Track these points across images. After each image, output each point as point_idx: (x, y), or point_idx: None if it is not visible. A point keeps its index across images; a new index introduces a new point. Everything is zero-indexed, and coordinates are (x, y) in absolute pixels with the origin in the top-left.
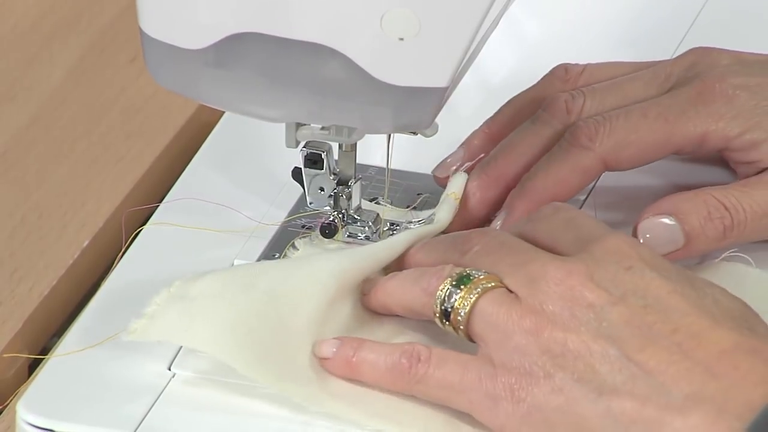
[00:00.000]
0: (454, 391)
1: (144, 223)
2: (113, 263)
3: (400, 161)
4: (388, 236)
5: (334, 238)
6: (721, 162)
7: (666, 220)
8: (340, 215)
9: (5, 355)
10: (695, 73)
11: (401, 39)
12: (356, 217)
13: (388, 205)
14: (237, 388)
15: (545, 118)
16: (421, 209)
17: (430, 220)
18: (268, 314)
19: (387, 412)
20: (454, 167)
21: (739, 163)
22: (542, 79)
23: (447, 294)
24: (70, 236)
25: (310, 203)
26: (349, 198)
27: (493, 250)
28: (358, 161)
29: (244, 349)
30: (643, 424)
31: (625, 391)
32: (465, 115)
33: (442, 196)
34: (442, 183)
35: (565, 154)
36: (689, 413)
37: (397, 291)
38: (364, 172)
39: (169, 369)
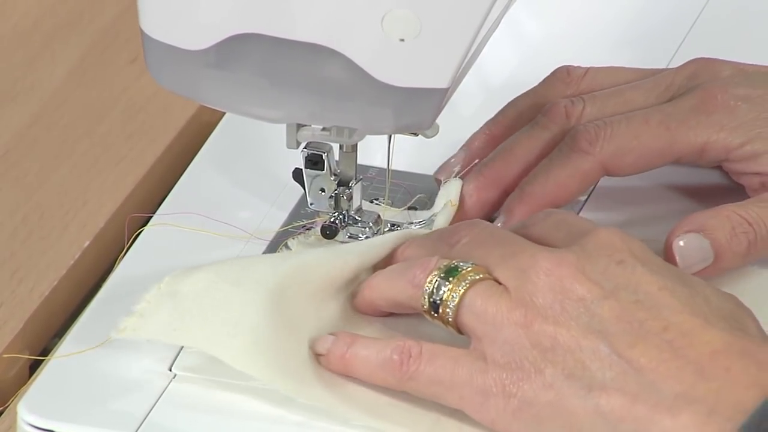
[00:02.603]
0: (444, 387)
1: (145, 224)
2: (114, 264)
3: (400, 162)
4: None
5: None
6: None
7: (696, 237)
8: (341, 216)
9: (6, 356)
10: (697, 83)
11: (402, 40)
12: (357, 218)
13: (383, 205)
14: (237, 389)
15: (544, 123)
16: (416, 209)
17: (430, 221)
18: (258, 307)
19: (379, 409)
20: (456, 169)
21: (741, 174)
22: (544, 80)
23: (435, 286)
24: (71, 236)
25: (311, 204)
26: (350, 199)
27: (482, 241)
28: (358, 162)
29: (234, 343)
30: (632, 422)
31: (615, 388)
32: (466, 116)
33: (437, 201)
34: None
35: (564, 159)
36: (679, 413)
37: (383, 285)
38: (365, 173)
39: (170, 369)
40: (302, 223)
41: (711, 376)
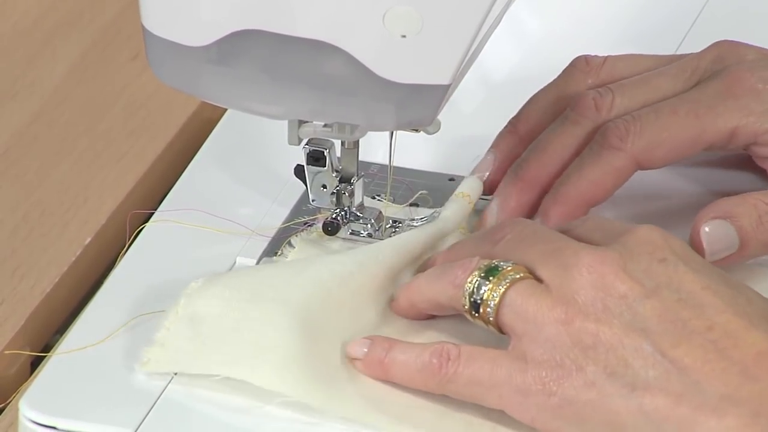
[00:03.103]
0: (484, 388)
1: (146, 221)
2: (115, 261)
3: (402, 159)
4: (390, 234)
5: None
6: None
7: (723, 224)
8: (343, 213)
9: (7, 353)
10: (722, 66)
11: (404, 36)
12: (359, 214)
13: (385, 201)
14: (239, 388)
15: (574, 118)
16: (418, 206)
17: (432, 218)
18: (278, 325)
19: (412, 415)
20: (488, 173)
21: (765, 159)
22: (563, 71)
23: (476, 286)
24: (72, 234)
25: (313, 200)
26: (352, 195)
27: (524, 238)
28: (360, 158)
29: (257, 363)
30: (676, 423)
31: (659, 387)
32: (467, 113)
33: (452, 196)
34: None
35: (596, 157)
36: (724, 414)
37: (424, 287)
38: (367, 169)
39: None
40: (304, 219)
41: (756, 378)
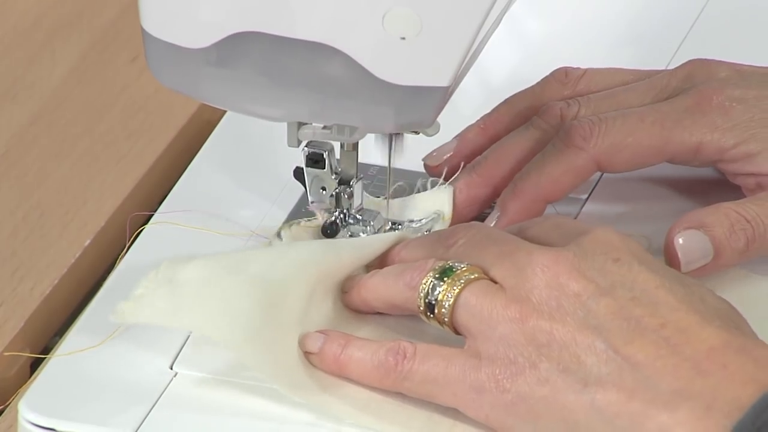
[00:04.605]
0: (438, 386)
1: (146, 223)
2: (115, 262)
3: (401, 160)
4: None
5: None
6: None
7: (696, 234)
8: (342, 215)
9: (7, 354)
10: (692, 84)
11: (403, 38)
12: (358, 216)
13: (381, 198)
14: (239, 388)
15: (538, 124)
16: (394, 197)
17: (434, 219)
18: (257, 296)
19: (372, 406)
20: (445, 156)
21: (736, 175)
22: (541, 80)
23: (430, 287)
24: (72, 235)
25: (312, 202)
26: (351, 197)
27: (478, 242)
28: (359, 161)
29: (232, 328)
30: (628, 417)
31: (611, 383)
32: (466, 115)
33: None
34: (433, 171)
35: (558, 154)
36: (676, 408)
37: (379, 287)
38: (366, 171)
39: (171, 368)
40: (300, 221)
41: (708, 373)
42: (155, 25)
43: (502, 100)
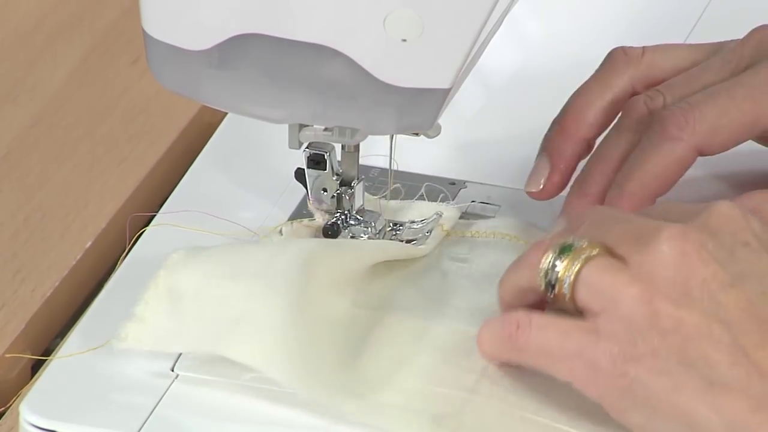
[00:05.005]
0: (553, 359)
1: (147, 225)
2: (116, 264)
3: (402, 162)
4: (391, 236)
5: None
6: None
7: None
8: (343, 216)
9: (8, 356)
10: (765, 51)
11: (404, 40)
12: (359, 218)
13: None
14: (240, 390)
15: (628, 124)
16: (390, 198)
17: (434, 220)
18: (258, 301)
19: (377, 405)
20: (544, 177)
21: None
22: (603, 64)
23: (550, 265)
24: (73, 237)
25: (312, 203)
26: (352, 199)
27: (603, 221)
28: (360, 162)
29: (235, 339)
30: (751, 429)
31: (738, 389)
32: (468, 117)
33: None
34: (539, 197)
35: (657, 149)
36: None
37: (506, 278)
38: (367, 173)
39: (172, 370)
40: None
41: None
42: (156, 27)
43: (503, 101)
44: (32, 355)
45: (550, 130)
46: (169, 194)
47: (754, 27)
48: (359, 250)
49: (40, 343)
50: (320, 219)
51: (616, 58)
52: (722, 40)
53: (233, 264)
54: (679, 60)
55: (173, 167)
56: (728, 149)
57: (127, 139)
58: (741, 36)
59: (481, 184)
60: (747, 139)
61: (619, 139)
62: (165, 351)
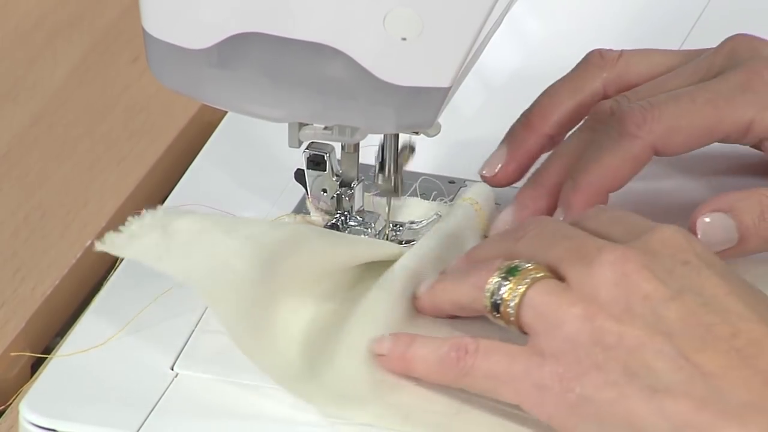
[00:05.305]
0: (500, 382)
1: None
2: (116, 263)
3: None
4: (391, 236)
5: None
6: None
7: (722, 217)
8: (343, 217)
9: (12, 354)
10: (737, 60)
11: (404, 39)
12: (359, 218)
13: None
14: (241, 389)
15: (592, 126)
16: (381, 196)
17: (433, 220)
18: (247, 256)
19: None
20: (499, 165)
21: None
22: (578, 66)
23: (496, 286)
24: (73, 236)
25: (312, 203)
26: (352, 199)
27: (547, 236)
28: (360, 162)
29: (215, 282)
30: (697, 428)
31: (681, 391)
32: (468, 115)
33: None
34: (491, 182)
35: (614, 144)
36: (747, 422)
37: (448, 288)
38: (367, 173)
39: (172, 369)
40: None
41: None
42: (156, 26)
43: (503, 100)
44: (32, 353)
45: (517, 122)
46: (169, 193)
47: (752, 26)
48: (354, 247)
49: (40, 341)
50: (320, 219)
51: (591, 60)
52: (721, 40)
53: (231, 224)
54: (654, 65)
55: (173, 166)
56: (686, 151)
57: (127, 137)
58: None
59: (481, 182)
60: (706, 144)
61: (581, 138)
62: (150, 263)
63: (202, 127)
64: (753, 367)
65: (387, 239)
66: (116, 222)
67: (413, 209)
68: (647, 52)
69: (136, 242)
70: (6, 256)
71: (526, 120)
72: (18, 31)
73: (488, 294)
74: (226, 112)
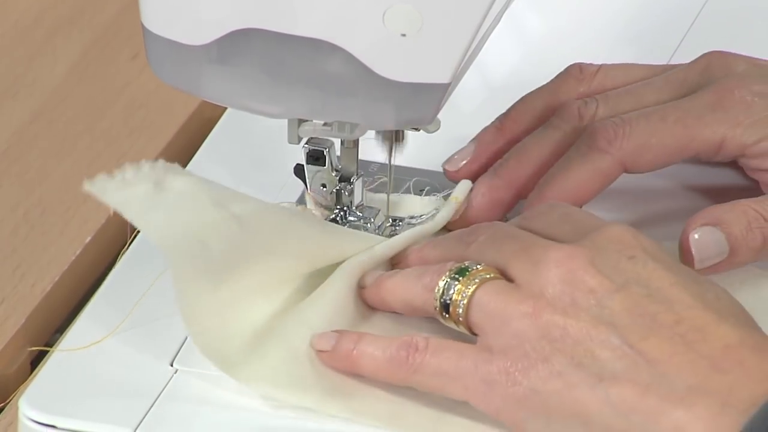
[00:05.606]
0: (449, 378)
1: None
2: (116, 259)
3: (402, 157)
4: (390, 232)
5: None
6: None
7: (712, 231)
8: (342, 212)
9: (8, 351)
10: (711, 77)
11: (403, 35)
12: (358, 213)
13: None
14: (240, 385)
15: (557, 124)
16: (377, 192)
17: (432, 216)
18: (223, 235)
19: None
20: (464, 161)
21: (756, 170)
22: (556, 77)
23: (445, 287)
24: (73, 232)
25: (311, 198)
26: (351, 194)
27: (497, 239)
28: (360, 157)
29: (183, 256)
30: (643, 413)
31: (626, 378)
32: (467, 111)
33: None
34: (452, 177)
35: (583, 158)
36: (692, 405)
37: (398, 288)
38: (366, 168)
39: (172, 365)
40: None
41: (724, 370)
42: (156, 23)
43: (503, 96)
44: (32, 349)
45: (491, 124)
46: None
47: (750, 26)
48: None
49: (39, 337)
50: (319, 215)
51: (571, 72)
52: (720, 40)
53: (224, 197)
54: (631, 78)
55: (173, 162)
56: (655, 169)
57: (127, 134)
58: (739, 34)
59: (466, 180)
60: (678, 161)
61: (543, 135)
62: (130, 216)
63: (202, 123)
64: (697, 351)
65: (388, 230)
66: (116, 219)
67: (412, 205)
68: (627, 66)
69: (125, 190)
70: (6, 252)
71: (499, 125)
72: (17, 28)
73: (438, 294)
74: (226, 109)
